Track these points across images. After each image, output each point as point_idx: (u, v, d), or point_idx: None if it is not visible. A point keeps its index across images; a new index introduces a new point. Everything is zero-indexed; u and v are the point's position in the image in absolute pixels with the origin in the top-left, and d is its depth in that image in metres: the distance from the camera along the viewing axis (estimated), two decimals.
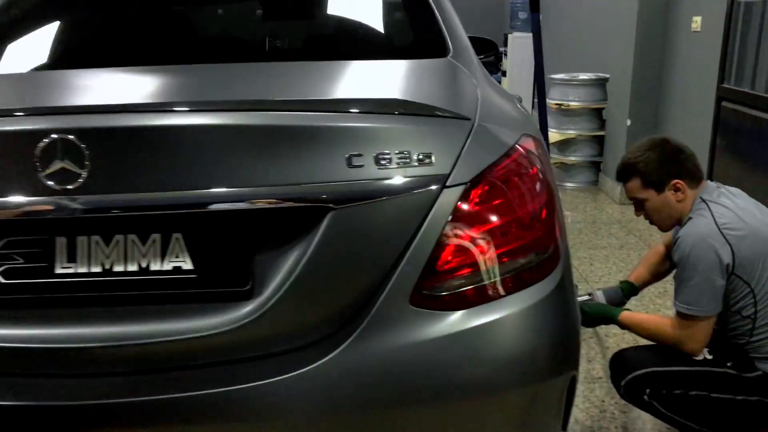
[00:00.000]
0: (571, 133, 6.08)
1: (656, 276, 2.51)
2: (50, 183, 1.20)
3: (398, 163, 1.26)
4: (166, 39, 2.15)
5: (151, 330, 1.25)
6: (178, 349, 1.25)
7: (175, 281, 1.27)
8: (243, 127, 1.26)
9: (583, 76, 6.06)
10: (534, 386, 1.34)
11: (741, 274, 1.98)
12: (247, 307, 1.25)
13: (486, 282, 1.30)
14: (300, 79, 1.58)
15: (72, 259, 1.26)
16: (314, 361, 1.24)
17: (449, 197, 1.28)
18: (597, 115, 6.08)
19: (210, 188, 1.22)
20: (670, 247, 2.25)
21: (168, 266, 1.27)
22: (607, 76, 5.85)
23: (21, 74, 1.84)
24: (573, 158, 6.11)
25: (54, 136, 1.19)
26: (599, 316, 2.29)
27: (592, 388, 2.75)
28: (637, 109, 5.16)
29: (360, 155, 1.25)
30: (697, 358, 2.05)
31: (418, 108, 1.35)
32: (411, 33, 2.17)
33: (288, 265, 1.25)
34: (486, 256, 1.30)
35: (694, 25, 4.65)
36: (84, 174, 1.20)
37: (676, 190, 2.11)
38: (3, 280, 1.27)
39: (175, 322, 1.25)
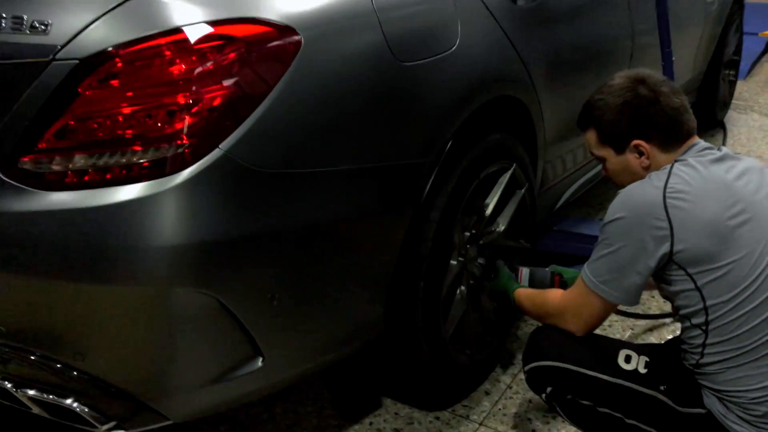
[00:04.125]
0: None
1: None
2: None
3: (13, 29, 1.26)
4: None
5: None
6: None
7: None
8: None
9: None
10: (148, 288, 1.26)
11: (684, 263, 1.42)
12: None
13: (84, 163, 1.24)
14: None
15: None
16: None
17: (56, 72, 1.23)
18: None
19: None
20: None
21: None
22: None
23: None
24: None
25: None
26: (499, 291, 1.90)
27: None
28: None
29: None
30: (627, 369, 1.55)
31: None
32: None
33: None
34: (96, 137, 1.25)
35: None
36: None
37: (640, 153, 1.54)
38: None
39: None
